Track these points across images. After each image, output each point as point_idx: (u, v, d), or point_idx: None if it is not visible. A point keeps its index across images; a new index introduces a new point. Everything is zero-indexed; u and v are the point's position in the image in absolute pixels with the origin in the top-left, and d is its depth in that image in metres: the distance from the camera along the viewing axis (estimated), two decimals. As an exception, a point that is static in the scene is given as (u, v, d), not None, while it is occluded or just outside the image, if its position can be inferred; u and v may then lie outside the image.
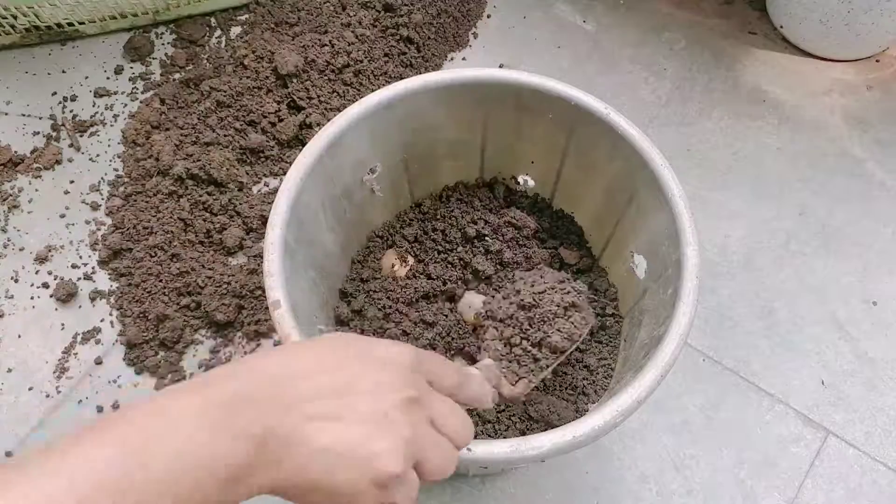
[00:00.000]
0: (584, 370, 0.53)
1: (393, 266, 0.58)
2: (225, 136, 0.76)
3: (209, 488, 0.25)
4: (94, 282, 0.70)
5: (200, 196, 0.72)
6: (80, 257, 0.72)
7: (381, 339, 0.32)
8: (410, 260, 0.59)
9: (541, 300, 0.44)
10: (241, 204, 0.73)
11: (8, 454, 0.62)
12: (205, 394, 0.26)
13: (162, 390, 0.27)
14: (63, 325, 0.68)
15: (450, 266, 0.59)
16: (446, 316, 0.55)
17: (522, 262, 0.58)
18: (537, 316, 0.43)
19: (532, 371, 0.42)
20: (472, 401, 0.36)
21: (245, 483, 0.26)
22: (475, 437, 0.48)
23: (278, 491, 0.27)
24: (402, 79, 0.57)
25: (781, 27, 0.88)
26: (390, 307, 0.56)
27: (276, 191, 0.51)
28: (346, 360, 0.30)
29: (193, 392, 0.26)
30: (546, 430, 0.46)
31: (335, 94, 0.79)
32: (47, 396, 0.65)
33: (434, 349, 0.53)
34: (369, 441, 0.28)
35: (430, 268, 0.58)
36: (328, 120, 0.50)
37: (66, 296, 0.69)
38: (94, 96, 0.82)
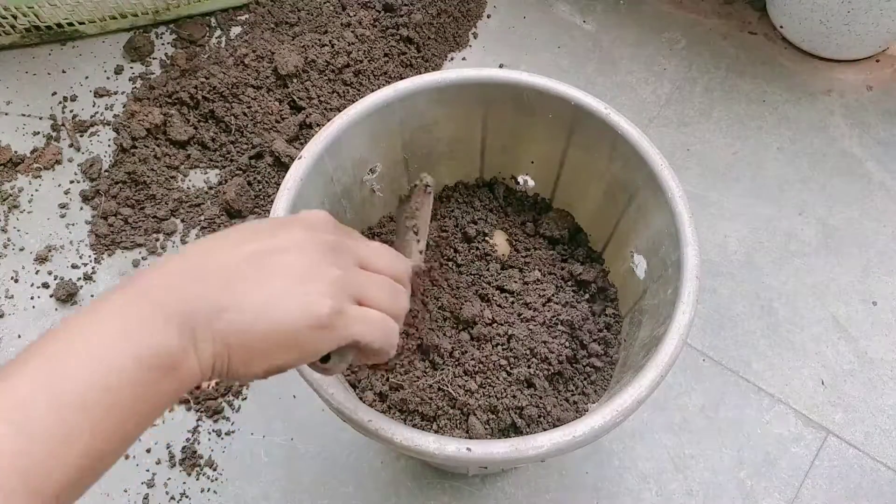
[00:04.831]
0: (584, 370, 0.53)
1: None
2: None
3: (145, 382, 0.25)
4: (95, 281, 0.70)
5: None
6: (80, 257, 0.72)
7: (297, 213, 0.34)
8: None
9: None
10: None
11: (8, 454, 0.62)
12: (129, 288, 0.27)
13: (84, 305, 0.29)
14: (63, 324, 0.68)
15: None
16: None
17: (522, 263, 0.58)
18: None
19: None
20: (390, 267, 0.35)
21: (184, 369, 0.26)
22: (475, 438, 0.48)
23: (222, 367, 0.27)
24: (402, 79, 0.57)
25: (781, 27, 0.88)
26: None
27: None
28: (264, 230, 0.31)
29: (111, 296, 0.26)
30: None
31: (335, 94, 0.79)
32: (47, 396, 0.65)
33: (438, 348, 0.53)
34: (296, 286, 0.28)
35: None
36: (328, 120, 0.50)
37: (66, 295, 0.69)
38: (95, 96, 0.82)
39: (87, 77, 0.84)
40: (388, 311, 0.31)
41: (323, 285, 0.29)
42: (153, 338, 0.25)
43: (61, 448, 0.23)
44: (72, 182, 0.76)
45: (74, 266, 0.71)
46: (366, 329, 0.30)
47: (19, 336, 0.68)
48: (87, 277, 0.70)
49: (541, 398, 0.50)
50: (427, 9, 0.84)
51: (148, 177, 0.74)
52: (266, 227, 0.31)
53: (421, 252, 0.45)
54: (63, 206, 0.75)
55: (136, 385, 0.24)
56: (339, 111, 0.51)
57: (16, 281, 0.70)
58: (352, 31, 0.81)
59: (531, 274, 0.56)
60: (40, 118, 0.81)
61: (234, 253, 0.29)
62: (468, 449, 0.37)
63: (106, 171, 0.77)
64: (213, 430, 0.63)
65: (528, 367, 0.51)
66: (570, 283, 0.57)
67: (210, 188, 0.76)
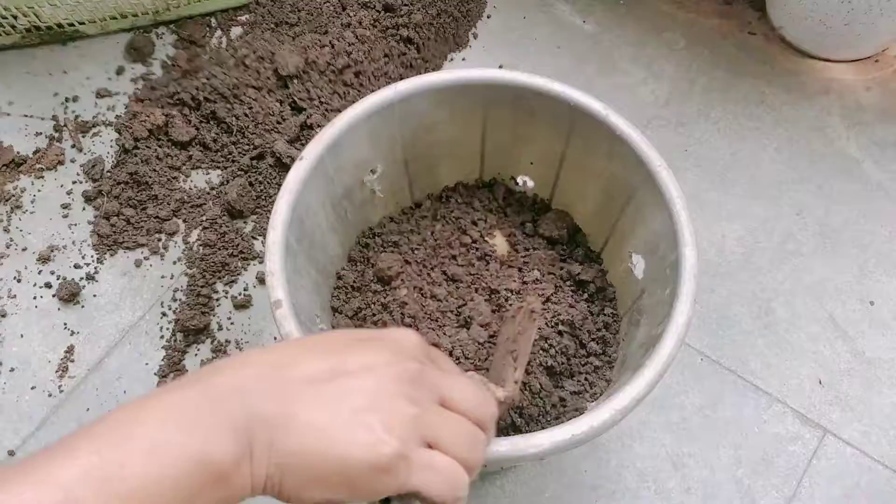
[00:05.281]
0: (582, 369, 0.54)
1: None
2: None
3: (194, 486, 0.23)
4: (97, 281, 0.71)
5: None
6: (83, 257, 0.72)
7: (387, 328, 0.31)
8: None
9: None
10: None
11: (10, 453, 0.63)
12: (191, 388, 0.26)
13: (154, 389, 0.26)
14: (65, 324, 0.69)
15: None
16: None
17: (521, 263, 0.58)
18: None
19: (506, 371, 0.42)
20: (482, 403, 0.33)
21: (235, 481, 0.25)
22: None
23: (273, 487, 0.26)
24: (402, 79, 0.57)
25: (781, 27, 0.88)
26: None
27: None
28: (344, 345, 0.29)
29: (181, 387, 0.26)
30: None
31: (336, 94, 0.79)
32: (49, 396, 0.65)
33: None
34: (360, 418, 0.26)
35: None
36: (329, 121, 0.51)
37: (68, 295, 0.69)
38: (96, 97, 0.82)
39: (88, 78, 0.84)
40: (461, 459, 0.28)
41: (391, 421, 0.26)
42: (212, 443, 0.24)
43: None
44: (74, 182, 0.77)
45: (77, 266, 0.71)
46: (430, 478, 0.27)
47: (21, 336, 0.68)
48: (90, 277, 0.71)
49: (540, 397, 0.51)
50: (427, 9, 0.84)
51: (150, 177, 0.74)
52: (347, 342, 0.29)
53: (516, 382, 0.41)
54: (65, 206, 0.75)
55: (185, 488, 0.23)
56: (340, 112, 0.51)
57: (18, 281, 0.71)
58: (352, 32, 0.81)
59: (530, 274, 0.57)
60: (42, 119, 0.81)
61: (309, 367, 0.27)
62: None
63: (108, 171, 0.77)
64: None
65: (528, 365, 0.51)
66: (568, 283, 0.58)
67: (212, 189, 0.76)
